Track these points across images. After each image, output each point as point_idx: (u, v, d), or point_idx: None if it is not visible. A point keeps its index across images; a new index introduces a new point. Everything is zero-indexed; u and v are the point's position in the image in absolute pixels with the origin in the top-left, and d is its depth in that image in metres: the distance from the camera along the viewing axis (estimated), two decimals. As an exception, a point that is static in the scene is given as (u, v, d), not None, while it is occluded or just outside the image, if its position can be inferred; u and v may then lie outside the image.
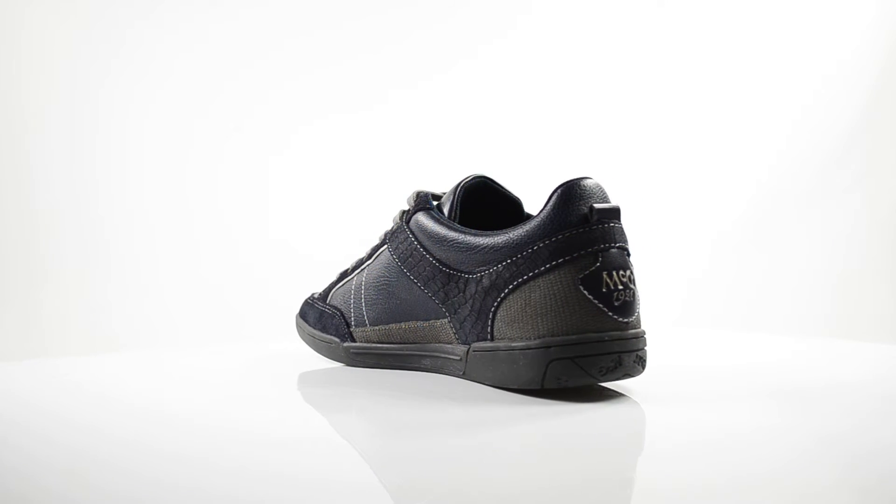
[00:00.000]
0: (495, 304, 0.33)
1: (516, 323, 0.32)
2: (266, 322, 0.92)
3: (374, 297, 0.41)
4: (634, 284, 0.33)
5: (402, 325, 0.40)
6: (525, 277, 0.32)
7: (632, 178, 1.09)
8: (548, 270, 0.32)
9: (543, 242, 0.32)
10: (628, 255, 0.33)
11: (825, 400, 0.34)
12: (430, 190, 0.41)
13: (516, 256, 0.33)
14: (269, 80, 1.06)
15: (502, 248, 0.33)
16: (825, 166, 1.10)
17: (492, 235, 0.34)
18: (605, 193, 0.33)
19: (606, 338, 0.31)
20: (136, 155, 1.02)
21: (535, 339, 0.32)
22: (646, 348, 0.33)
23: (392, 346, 0.41)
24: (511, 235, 0.33)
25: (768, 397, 0.35)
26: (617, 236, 0.32)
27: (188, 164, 1.03)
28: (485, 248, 0.34)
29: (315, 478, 0.24)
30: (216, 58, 1.04)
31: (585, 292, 0.31)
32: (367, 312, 0.42)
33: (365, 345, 0.43)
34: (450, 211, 0.38)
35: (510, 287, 0.33)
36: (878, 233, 1.08)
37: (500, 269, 0.33)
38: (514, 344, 0.32)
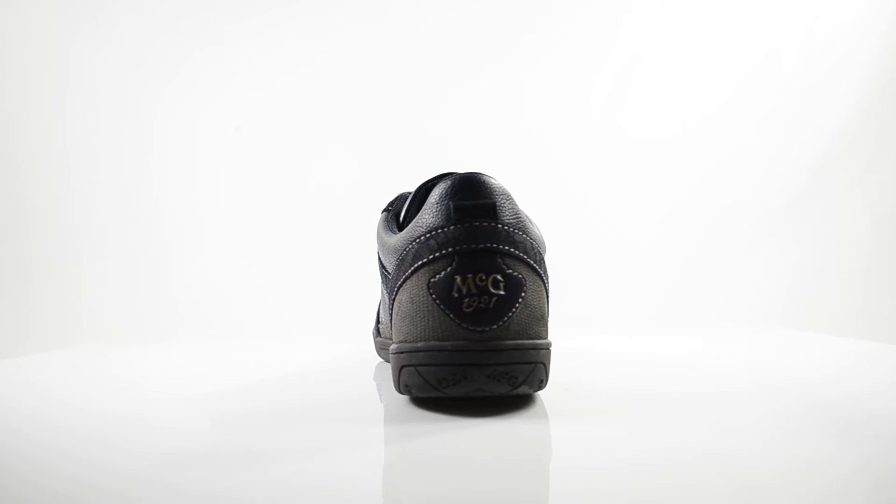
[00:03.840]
0: (391, 306, 0.33)
1: (395, 327, 0.32)
2: (266, 321, 0.95)
3: (383, 294, 0.43)
4: (504, 289, 0.28)
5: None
6: (401, 280, 0.31)
7: (631, 177, 1.11)
8: (412, 273, 0.30)
9: (411, 244, 0.31)
10: (505, 256, 0.29)
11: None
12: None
13: (400, 259, 0.32)
14: (269, 78, 1.07)
15: (394, 249, 0.33)
16: (824, 165, 1.09)
17: (394, 235, 0.34)
18: (483, 189, 0.30)
19: (449, 347, 0.28)
20: (135, 153, 1.05)
21: (396, 343, 0.31)
22: (524, 363, 0.28)
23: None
24: (399, 237, 0.32)
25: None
26: (481, 236, 0.29)
27: (187, 163, 1.06)
28: (390, 248, 0.34)
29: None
30: (216, 57, 1.06)
31: (433, 297, 0.29)
32: (382, 309, 0.44)
33: (382, 339, 0.45)
34: (405, 211, 0.38)
35: (396, 290, 0.32)
36: (878, 232, 1.08)
37: (394, 270, 0.33)
38: (391, 348, 0.32)
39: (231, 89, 1.10)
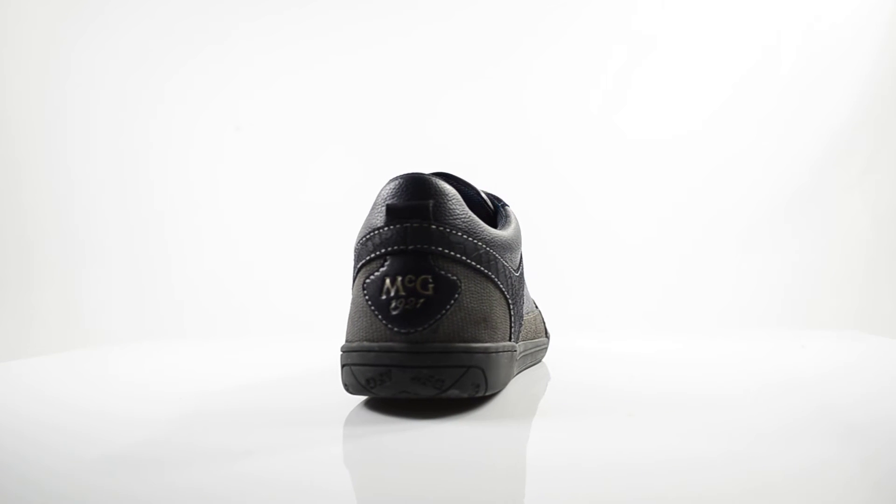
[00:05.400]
0: None
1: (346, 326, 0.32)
2: (268, 320, 0.94)
3: None
4: (433, 291, 0.29)
5: None
6: (352, 281, 0.32)
7: (630, 178, 1.11)
8: (356, 274, 0.31)
9: (357, 245, 0.31)
10: (438, 257, 0.29)
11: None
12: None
13: (353, 259, 0.32)
14: (269, 79, 1.06)
15: (354, 249, 0.33)
16: (824, 165, 1.09)
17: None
18: (420, 190, 0.30)
19: (376, 348, 0.28)
20: (136, 154, 1.05)
21: (343, 343, 0.31)
22: (453, 366, 0.28)
23: None
24: (357, 238, 0.32)
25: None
26: (412, 238, 0.29)
27: (188, 163, 1.06)
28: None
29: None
30: (216, 58, 1.06)
31: (366, 298, 0.29)
32: None
33: None
34: None
35: (351, 290, 0.32)
36: (878, 232, 1.08)
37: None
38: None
39: (231, 90, 1.11)
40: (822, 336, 0.68)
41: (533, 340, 0.43)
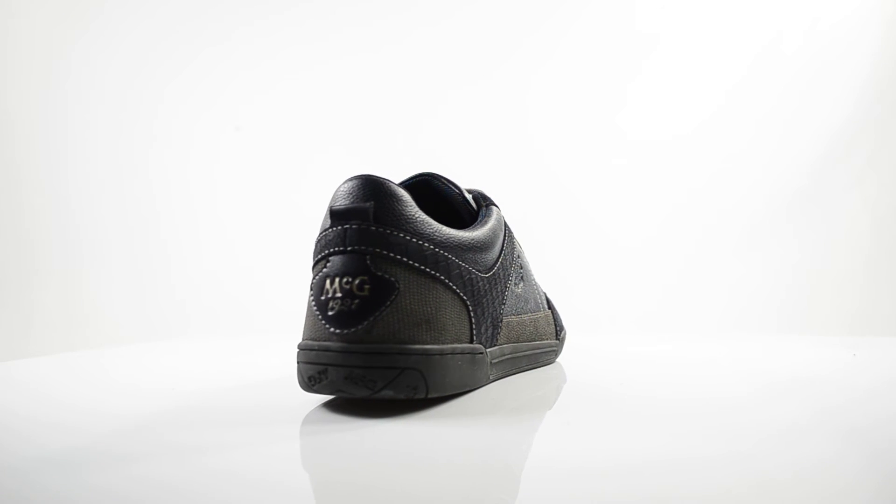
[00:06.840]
0: None
1: None
2: (268, 319, 0.94)
3: None
4: (367, 292, 0.29)
5: None
6: None
7: (630, 179, 1.11)
8: (312, 274, 0.31)
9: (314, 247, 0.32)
10: (376, 258, 0.29)
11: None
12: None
13: None
14: (270, 80, 1.06)
15: None
16: (824, 165, 1.09)
17: None
18: (362, 191, 0.30)
19: (315, 347, 0.29)
20: (137, 154, 1.05)
21: None
22: (385, 367, 0.28)
23: None
24: None
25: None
26: (350, 239, 0.29)
27: (189, 163, 1.06)
28: None
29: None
30: (218, 59, 1.06)
31: (311, 299, 0.30)
32: None
33: None
34: None
35: None
36: (878, 232, 1.08)
37: None
38: None
39: (231, 92, 1.12)
40: (874, 343, 0.65)
41: (532, 342, 0.42)
